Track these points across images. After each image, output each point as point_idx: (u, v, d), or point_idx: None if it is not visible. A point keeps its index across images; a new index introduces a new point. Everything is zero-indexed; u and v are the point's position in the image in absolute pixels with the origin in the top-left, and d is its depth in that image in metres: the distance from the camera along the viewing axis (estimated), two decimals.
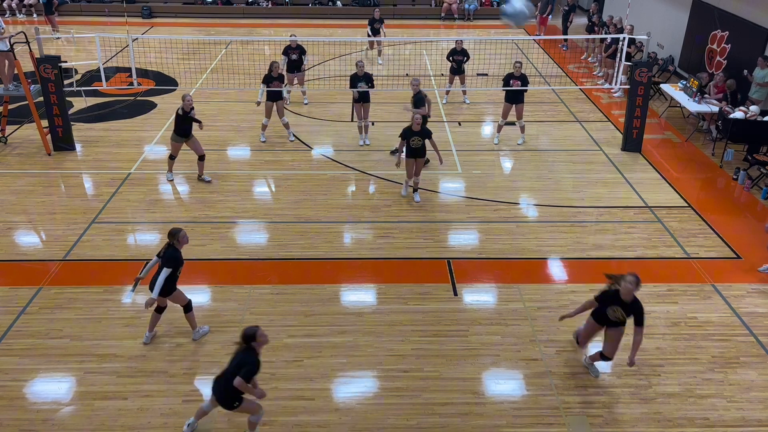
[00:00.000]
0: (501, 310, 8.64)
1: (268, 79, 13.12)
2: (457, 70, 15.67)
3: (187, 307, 7.87)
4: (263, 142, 13.62)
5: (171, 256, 7.45)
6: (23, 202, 11.15)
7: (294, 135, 13.87)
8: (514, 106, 13.32)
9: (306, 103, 15.78)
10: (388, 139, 13.56)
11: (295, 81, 15.41)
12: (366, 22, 19.32)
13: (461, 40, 15.62)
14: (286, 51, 14.95)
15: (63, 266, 9.45)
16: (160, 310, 7.90)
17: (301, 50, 14.96)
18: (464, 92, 16.07)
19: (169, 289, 7.55)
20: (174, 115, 11.47)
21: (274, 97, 13.19)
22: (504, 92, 13.32)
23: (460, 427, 6.88)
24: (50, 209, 10.96)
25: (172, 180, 11.91)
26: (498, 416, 7.00)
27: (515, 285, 9.12)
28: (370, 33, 18.82)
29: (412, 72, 18.08)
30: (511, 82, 13.21)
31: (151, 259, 7.71)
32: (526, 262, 9.73)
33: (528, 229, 10.54)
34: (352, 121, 14.88)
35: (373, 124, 13.48)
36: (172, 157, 11.84)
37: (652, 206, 11.28)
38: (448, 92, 16.18)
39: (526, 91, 13.30)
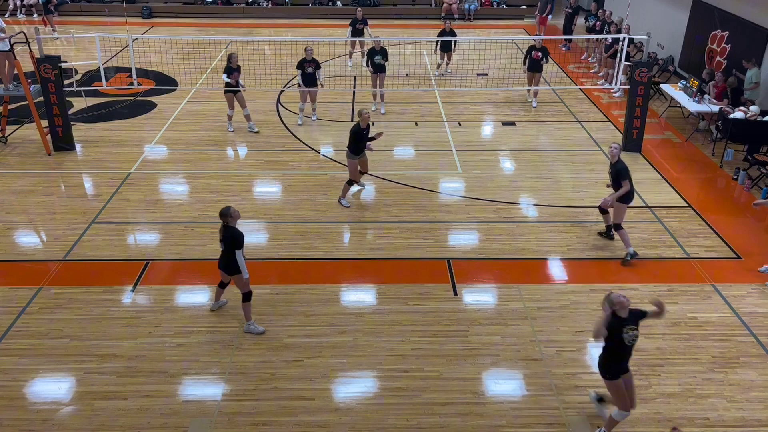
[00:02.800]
0: (501, 310, 8.64)
1: (228, 70, 13.40)
2: (446, 48, 17.17)
3: (247, 296, 8.04)
4: (232, 131, 14.17)
5: (232, 236, 7.67)
6: (23, 202, 11.15)
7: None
8: (533, 74, 15.45)
9: (314, 119, 14.79)
10: (390, 139, 13.59)
11: (308, 98, 14.42)
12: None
13: (449, 21, 17.59)
14: (301, 65, 13.96)
15: (63, 266, 9.45)
16: (222, 285, 8.33)
17: (316, 64, 14.01)
18: (447, 64, 17.78)
19: (236, 267, 7.80)
20: (350, 134, 10.61)
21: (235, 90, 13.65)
22: (525, 63, 15.55)
23: (460, 427, 6.88)
24: (50, 209, 10.96)
25: (349, 206, 11.05)
26: (498, 416, 7.00)
27: (515, 285, 9.12)
28: (350, 34, 17.90)
29: (412, 71, 18.09)
30: (532, 53, 15.20)
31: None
32: (526, 262, 9.73)
33: (528, 229, 10.53)
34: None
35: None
36: (350, 182, 11.01)
37: (652, 206, 11.28)
38: (439, 66, 17.86)
39: (546, 62, 15.32)
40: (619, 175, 9.48)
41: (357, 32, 17.92)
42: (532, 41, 15.63)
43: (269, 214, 10.91)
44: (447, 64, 17.73)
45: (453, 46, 17.17)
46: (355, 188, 11.54)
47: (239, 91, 13.61)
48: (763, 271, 9.42)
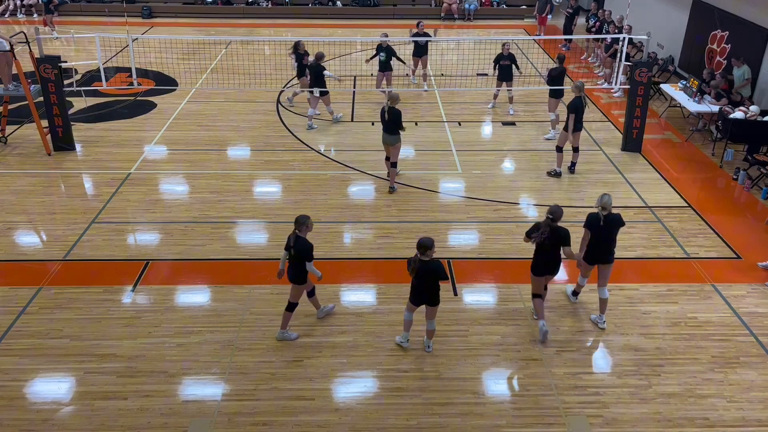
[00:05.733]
0: (501, 310, 8.63)
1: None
2: (506, 76, 14.88)
3: (291, 306, 8.00)
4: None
5: (304, 246, 7.58)
6: (23, 202, 11.15)
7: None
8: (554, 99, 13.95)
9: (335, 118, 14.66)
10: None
11: (319, 102, 14.22)
12: (368, 22, 18.64)
13: (508, 44, 14.90)
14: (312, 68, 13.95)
15: (63, 266, 9.45)
16: (310, 294, 8.21)
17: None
18: (511, 99, 15.31)
19: (304, 278, 7.77)
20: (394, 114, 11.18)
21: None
22: (546, 84, 14.17)
23: (460, 427, 6.88)
24: (50, 209, 10.96)
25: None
26: (498, 416, 7.00)
27: (515, 285, 9.11)
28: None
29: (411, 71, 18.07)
30: (553, 75, 13.88)
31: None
32: (526, 262, 9.67)
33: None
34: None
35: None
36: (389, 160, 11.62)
37: (652, 206, 11.28)
38: (495, 96, 15.52)
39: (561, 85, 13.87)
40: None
41: (417, 46, 16.26)
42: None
43: (269, 214, 10.91)
44: (510, 99, 15.25)
45: (512, 70, 14.78)
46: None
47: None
48: (762, 266, 9.42)
